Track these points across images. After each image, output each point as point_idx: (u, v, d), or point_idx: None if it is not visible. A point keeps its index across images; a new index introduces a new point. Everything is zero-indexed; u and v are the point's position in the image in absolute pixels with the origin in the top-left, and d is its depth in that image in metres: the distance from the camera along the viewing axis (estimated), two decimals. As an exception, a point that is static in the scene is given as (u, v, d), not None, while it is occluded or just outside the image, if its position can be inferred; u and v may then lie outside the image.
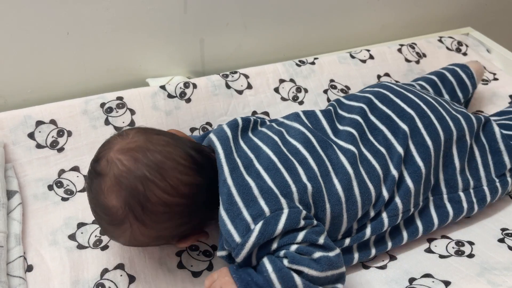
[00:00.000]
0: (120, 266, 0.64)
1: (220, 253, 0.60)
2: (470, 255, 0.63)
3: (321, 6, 1.02)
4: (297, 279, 0.53)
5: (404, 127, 0.67)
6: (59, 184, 0.74)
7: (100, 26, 0.86)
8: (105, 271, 0.64)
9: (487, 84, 0.99)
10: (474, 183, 0.69)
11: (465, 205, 0.68)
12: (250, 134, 0.68)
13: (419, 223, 0.66)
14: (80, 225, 0.69)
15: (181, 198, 0.57)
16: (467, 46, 1.06)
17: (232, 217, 0.56)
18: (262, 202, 0.56)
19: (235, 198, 0.57)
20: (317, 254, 0.54)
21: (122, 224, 0.56)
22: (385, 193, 0.63)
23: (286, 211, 0.56)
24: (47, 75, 0.88)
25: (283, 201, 0.57)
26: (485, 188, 0.69)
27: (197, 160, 0.60)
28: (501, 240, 0.65)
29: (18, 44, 0.82)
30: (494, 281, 0.57)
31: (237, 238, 0.55)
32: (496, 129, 0.73)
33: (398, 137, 0.66)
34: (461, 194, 0.68)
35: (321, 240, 0.55)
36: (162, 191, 0.55)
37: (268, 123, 0.73)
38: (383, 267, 0.64)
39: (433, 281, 0.58)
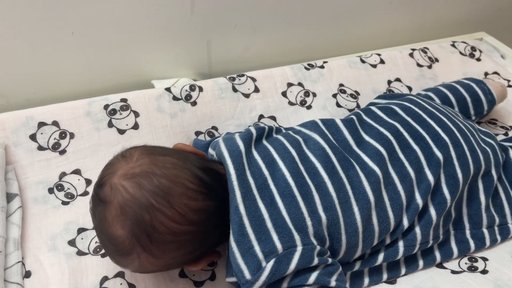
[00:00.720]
0: (120, 274, 0.63)
1: (229, 279, 0.57)
2: (484, 271, 0.60)
3: (331, 9, 1.00)
4: None
5: (439, 154, 0.62)
6: (59, 187, 0.72)
7: (105, 26, 0.84)
8: (105, 279, 0.62)
9: (501, 91, 0.96)
10: (499, 220, 0.66)
11: (488, 242, 0.64)
12: (265, 142, 0.64)
13: (437, 254, 0.63)
14: (81, 230, 0.68)
15: (190, 226, 0.53)
16: (480, 51, 1.03)
17: (242, 251, 0.53)
18: (275, 237, 0.53)
19: (247, 229, 0.54)
20: None
21: (129, 255, 0.53)
22: (405, 222, 0.60)
23: (299, 248, 0.53)
24: (51, 75, 0.86)
25: (297, 237, 0.54)
26: (510, 226, 0.66)
27: (206, 182, 0.55)
28: (516, 256, 0.62)
29: (22, 44, 0.81)
30: (509, 299, 0.55)
31: (247, 275, 0.53)
32: None
33: (431, 164, 0.61)
34: (485, 231, 0.64)
35: (333, 283, 0.53)
36: (170, 220, 0.51)
37: (284, 131, 0.69)
38: (392, 282, 0.61)
39: (444, 298, 0.56)
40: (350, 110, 0.88)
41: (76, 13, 0.81)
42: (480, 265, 0.62)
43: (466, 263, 0.62)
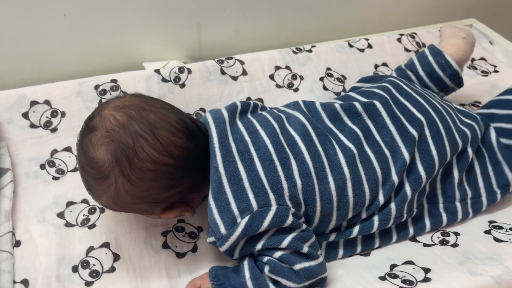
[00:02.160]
0: (105, 245, 0.65)
1: (209, 239, 0.60)
2: (454, 245, 0.62)
3: (321, -6, 1.01)
4: None
5: (414, 132, 0.64)
6: (51, 163, 0.75)
7: (97, 8, 0.87)
8: (91, 249, 0.65)
9: (487, 76, 0.97)
10: (472, 193, 0.68)
11: (460, 215, 0.67)
12: (249, 115, 0.67)
13: (411, 229, 0.65)
14: (69, 203, 0.70)
15: (170, 159, 0.55)
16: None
17: (219, 207, 0.56)
18: (251, 196, 0.56)
19: (224, 188, 0.57)
20: (298, 266, 0.55)
21: (107, 179, 0.55)
22: (381, 198, 0.62)
23: (274, 208, 0.56)
24: (44, 56, 0.89)
25: (272, 197, 0.57)
26: (484, 199, 0.68)
27: (190, 127, 0.59)
28: (488, 232, 0.64)
29: (16, 25, 0.83)
30: (474, 270, 0.57)
31: (222, 229, 0.56)
32: (493, 137, 0.71)
33: (407, 142, 0.64)
34: (458, 204, 0.67)
35: (305, 248, 0.55)
36: (152, 148, 0.54)
37: (268, 109, 0.72)
38: (366, 254, 0.64)
39: (413, 268, 0.58)
40: (336, 94, 0.90)
41: (68, -5, 0.83)
42: (451, 239, 0.64)
43: (438, 237, 0.64)
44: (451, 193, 0.66)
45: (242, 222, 0.55)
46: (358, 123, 0.66)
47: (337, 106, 0.68)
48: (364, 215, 0.63)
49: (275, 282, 0.56)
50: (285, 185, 0.58)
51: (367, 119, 0.66)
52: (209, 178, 0.58)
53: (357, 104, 0.67)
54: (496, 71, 0.98)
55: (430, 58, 0.79)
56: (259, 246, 0.56)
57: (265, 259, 0.56)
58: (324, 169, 0.61)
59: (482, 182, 0.68)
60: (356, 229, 0.62)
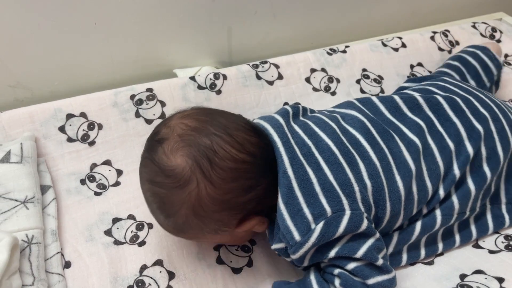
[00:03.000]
0: (158, 262, 0.63)
1: (275, 245, 0.57)
2: (522, 250, 0.61)
3: (350, -7, 0.99)
4: None
5: (479, 127, 0.62)
6: (91, 178, 0.73)
7: (126, 16, 0.84)
8: (144, 267, 0.63)
9: (522, 71, 0.96)
10: None
11: None
12: (302, 118, 0.65)
13: (473, 229, 0.64)
14: (115, 220, 0.68)
15: (248, 156, 0.53)
16: (501, 32, 1.02)
17: (291, 213, 0.54)
18: (323, 201, 0.54)
19: (295, 192, 0.54)
20: (372, 280, 0.52)
21: (188, 184, 0.52)
22: (442, 191, 0.60)
23: (348, 213, 0.54)
24: (74, 66, 0.86)
25: (345, 201, 0.54)
26: None
27: (257, 128, 0.58)
28: (553, 234, 0.62)
29: (45, 35, 0.81)
30: (551, 277, 0.55)
31: (296, 236, 0.53)
32: None
33: (472, 136, 0.62)
34: None
35: (380, 261, 0.53)
36: (230, 145, 0.53)
37: (317, 111, 0.70)
38: (430, 263, 0.62)
39: (485, 278, 0.57)
40: (374, 96, 0.88)
41: (98, 3, 0.80)
42: (517, 244, 0.62)
43: (502, 242, 0.63)
44: None
45: (317, 228, 0.53)
46: (419, 115, 0.64)
47: (396, 98, 0.66)
48: (425, 210, 0.61)
49: None
50: (356, 188, 0.56)
51: (428, 111, 0.64)
52: (275, 186, 0.56)
53: (417, 96, 0.65)
54: (532, 67, 0.97)
55: (478, 51, 0.81)
56: (332, 253, 0.54)
57: (336, 271, 0.54)
58: (391, 168, 0.59)
59: None
60: (418, 226, 0.60)
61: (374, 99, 0.67)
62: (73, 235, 0.66)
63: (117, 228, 0.67)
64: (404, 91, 0.72)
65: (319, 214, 0.53)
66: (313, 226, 0.53)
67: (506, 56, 0.99)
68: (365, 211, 0.55)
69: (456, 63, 0.83)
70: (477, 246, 0.63)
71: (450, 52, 0.96)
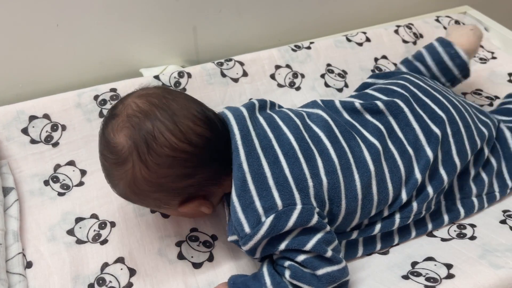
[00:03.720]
0: (120, 260, 0.64)
1: (230, 237, 0.59)
2: (472, 237, 0.62)
3: (315, -11, 1.00)
4: None
5: (437, 131, 0.63)
6: (55, 179, 0.73)
7: (90, 17, 0.84)
8: (105, 265, 0.63)
9: (485, 63, 0.97)
10: (487, 189, 0.68)
11: (476, 209, 0.67)
12: (269, 111, 0.66)
13: (429, 224, 0.65)
14: (78, 219, 0.69)
15: (188, 145, 0.54)
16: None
17: (243, 206, 0.55)
18: (276, 194, 0.55)
19: (249, 186, 0.55)
20: (321, 271, 0.54)
21: (125, 163, 0.54)
22: (404, 196, 0.62)
23: (299, 207, 0.55)
24: (38, 68, 0.86)
25: (297, 196, 0.56)
26: (497, 194, 0.68)
27: (211, 118, 0.58)
28: (503, 222, 0.64)
29: (6, 38, 0.81)
30: (496, 262, 0.57)
31: (247, 228, 0.55)
32: (508, 134, 0.71)
33: (430, 141, 0.63)
34: (474, 199, 0.67)
35: (329, 253, 0.54)
36: (171, 133, 0.54)
37: (285, 108, 0.71)
38: (385, 253, 0.63)
39: (435, 264, 0.58)
40: (338, 90, 0.89)
41: (60, 4, 0.81)
42: (468, 231, 0.64)
43: (455, 231, 0.64)
44: (468, 189, 0.66)
45: (267, 221, 0.54)
46: (380, 120, 0.65)
47: (357, 104, 0.67)
48: (386, 213, 0.62)
49: (296, 287, 0.55)
50: (310, 183, 0.57)
51: (389, 116, 0.65)
52: (229, 173, 0.57)
53: (378, 103, 0.66)
54: (494, 58, 0.99)
55: (440, 49, 0.79)
56: (282, 246, 0.55)
57: (286, 263, 0.55)
58: (350, 166, 0.60)
59: (496, 177, 0.68)
60: (377, 227, 0.62)
61: (337, 102, 0.68)
62: (35, 236, 0.66)
63: (80, 228, 0.68)
64: (367, 91, 0.72)
65: (270, 208, 0.54)
66: (263, 219, 0.54)
67: (469, 48, 1.01)
68: (318, 207, 0.57)
69: (416, 63, 0.81)
70: (431, 235, 0.65)
71: (415, 43, 0.98)
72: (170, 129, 0.54)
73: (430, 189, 0.62)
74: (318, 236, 0.55)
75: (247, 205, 0.55)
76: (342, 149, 0.60)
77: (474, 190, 0.67)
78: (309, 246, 0.54)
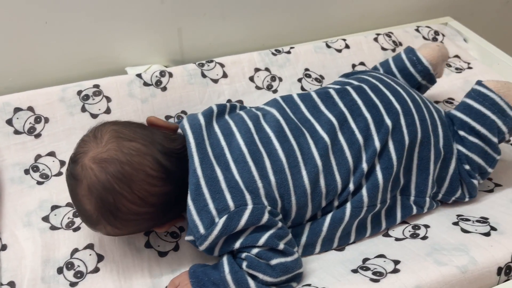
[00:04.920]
0: (90, 246, 0.67)
1: (188, 238, 0.62)
2: (424, 237, 0.65)
3: (299, -4, 1.04)
4: (251, 282, 0.57)
5: (388, 122, 0.66)
6: (35, 168, 0.77)
7: (78, 15, 0.88)
8: (75, 250, 0.67)
9: (460, 72, 1.00)
10: (438, 189, 0.70)
11: (426, 210, 0.70)
12: (227, 117, 0.70)
13: (383, 222, 0.68)
14: (54, 207, 0.72)
15: (150, 207, 0.60)
16: (443, 35, 1.07)
17: (198, 208, 0.59)
18: (228, 197, 0.59)
19: (202, 189, 0.59)
20: (274, 261, 0.57)
21: (97, 225, 0.61)
22: (351, 185, 0.64)
23: (250, 207, 0.59)
24: (27, 64, 0.90)
25: (248, 197, 0.59)
26: (440, 195, 0.71)
27: (167, 168, 0.61)
28: (455, 223, 0.67)
29: (-2, 34, 0.85)
30: (441, 260, 0.59)
31: (201, 229, 0.58)
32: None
33: (380, 131, 0.66)
34: (427, 200, 0.69)
35: (281, 245, 0.58)
36: (131, 202, 0.58)
37: (248, 108, 0.74)
38: (341, 249, 0.66)
39: (384, 261, 0.61)
40: (315, 93, 0.92)
41: (49, 2, 0.85)
42: (422, 232, 0.66)
43: (409, 231, 0.67)
44: (424, 188, 0.68)
45: (220, 222, 0.58)
46: (334, 111, 0.68)
47: (313, 94, 0.71)
48: (336, 203, 0.65)
49: (253, 276, 0.58)
50: (259, 184, 0.60)
51: (342, 107, 0.68)
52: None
53: (331, 90, 0.70)
54: (469, 68, 1.01)
55: (403, 56, 0.83)
56: (237, 244, 0.59)
57: (243, 255, 0.59)
58: (298, 164, 0.63)
59: (449, 180, 0.70)
60: (328, 217, 0.64)
61: (295, 97, 0.72)
62: (12, 221, 0.70)
63: (55, 215, 0.71)
64: (328, 85, 0.76)
65: (223, 209, 0.58)
66: (216, 220, 0.58)
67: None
68: (270, 205, 0.60)
69: (381, 70, 0.84)
70: (386, 235, 0.68)
71: (394, 50, 1.01)
72: (130, 199, 0.58)
73: (380, 176, 0.65)
74: (270, 232, 0.59)
75: (201, 208, 0.59)
76: (291, 148, 0.64)
77: (429, 190, 0.69)
78: (261, 241, 0.58)
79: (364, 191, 0.65)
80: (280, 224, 0.60)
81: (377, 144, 0.65)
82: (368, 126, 0.66)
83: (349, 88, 0.71)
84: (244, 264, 0.58)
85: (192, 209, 0.59)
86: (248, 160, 0.62)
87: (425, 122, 0.69)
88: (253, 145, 0.64)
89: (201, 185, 0.59)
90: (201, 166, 0.60)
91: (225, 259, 0.60)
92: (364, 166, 0.65)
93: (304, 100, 0.71)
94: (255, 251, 0.58)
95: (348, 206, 0.65)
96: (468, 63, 1.02)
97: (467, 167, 0.70)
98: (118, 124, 0.64)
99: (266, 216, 0.58)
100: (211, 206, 0.59)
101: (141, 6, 0.92)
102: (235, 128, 0.66)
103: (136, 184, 0.58)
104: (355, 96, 0.69)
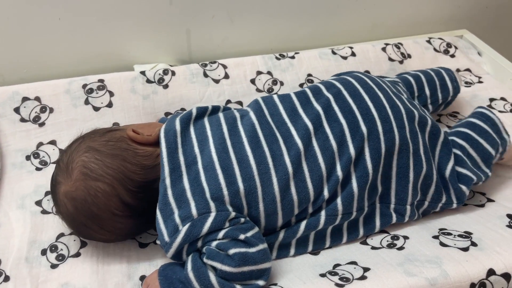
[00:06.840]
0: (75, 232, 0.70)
1: (158, 242, 0.65)
2: (400, 248, 0.63)
3: (310, 2, 1.04)
4: (212, 276, 0.57)
5: (364, 128, 0.65)
6: (36, 155, 0.81)
7: (90, 13, 0.93)
8: (61, 235, 0.70)
9: (469, 86, 0.98)
10: (420, 197, 0.68)
11: (407, 218, 0.68)
12: (205, 120, 0.70)
13: (361, 229, 0.67)
14: (48, 193, 0.76)
15: (119, 236, 0.67)
16: (456, 48, 1.04)
17: (165, 217, 0.61)
18: (192, 205, 0.60)
19: (169, 199, 0.61)
20: (233, 250, 0.57)
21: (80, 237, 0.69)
22: (326, 193, 0.64)
23: (213, 214, 0.60)
24: (41, 57, 0.96)
25: (212, 204, 0.60)
26: (426, 203, 0.69)
27: (133, 206, 0.63)
28: (436, 237, 0.65)
29: (16, 28, 0.91)
30: (411, 270, 0.58)
31: (166, 237, 0.60)
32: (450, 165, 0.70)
33: (355, 137, 0.65)
34: (408, 207, 0.67)
35: (242, 236, 0.58)
36: (100, 235, 0.65)
37: (231, 109, 0.75)
38: (316, 254, 0.66)
39: (354, 267, 0.60)
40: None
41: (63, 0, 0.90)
42: (400, 242, 0.65)
43: (388, 241, 0.66)
44: (404, 196, 0.67)
45: (183, 229, 0.59)
46: (311, 114, 0.68)
47: (293, 96, 0.72)
48: (310, 210, 0.64)
49: (213, 269, 0.58)
50: (225, 192, 0.61)
51: (320, 110, 0.68)
52: None
53: (307, 90, 0.71)
54: (480, 82, 0.99)
55: (441, 69, 0.90)
56: (199, 244, 0.60)
57: (204, 249, 0.59)
58: (268, 170, 0.63)
59: (434, 187, 0.68)
60: (303, 225, 0.64)
61: (275, 98, 0.72)
62: (7, 202, 0.74)
63: (48, 200, 0.75)
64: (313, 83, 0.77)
65: (186, 217, 0.60)
66: (180, 227, 0.59)
67: (457, 70, 1.01)
68: (235, 211, 0.61)
69: (417, 72, 0.87)
70: (364, 243, 0.66)
71: (401, 62, 1.00)
72: (99, 232, 0.64)
73: (354, 184, 0.64)
74: (232, 226, 0.59)
75: (167, 217, 0.61)
76: (263, 154, 0.64)
77: (410, 198, 0.67)
78: (221, 235, 0.58)
79: (338, 200, 0.64)
80: (242, 219, 0.60)
81: (352, 151, 0.64)
82: (343, 132, 0.65)
83: (327, 93, 0.70)
84: (204, 257, 0.59)
85: (159, 218, 0.61)
86: (216, 168, 0.63)
87: (403, 130, 0.67)
88: (224, 152, 0.64)
89: (168, 195, 0.61)
90: (170, 177, 0.62)
91: (190, 257, 0.60)
92: (339, 173, 0.64)
93: (283, 101, 0.71)
94: (215, 243, 0.59)
95: (323, 214, 0.64)
96: (479, 77, 1.00)
97: (460, 169, 0.69)
98: (91, 151, 0.64)
99: (228, 223, 0.59)
100: (176, 214, 0.60)
101: (151, 7, 0.95)
102: (210, 133, 0.67)
103: (104, 221, 0.63)
104: (332, 102, 0.69)
